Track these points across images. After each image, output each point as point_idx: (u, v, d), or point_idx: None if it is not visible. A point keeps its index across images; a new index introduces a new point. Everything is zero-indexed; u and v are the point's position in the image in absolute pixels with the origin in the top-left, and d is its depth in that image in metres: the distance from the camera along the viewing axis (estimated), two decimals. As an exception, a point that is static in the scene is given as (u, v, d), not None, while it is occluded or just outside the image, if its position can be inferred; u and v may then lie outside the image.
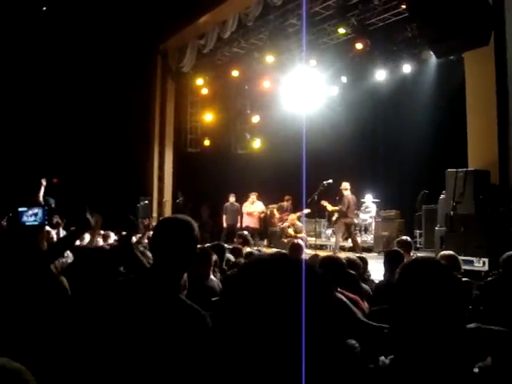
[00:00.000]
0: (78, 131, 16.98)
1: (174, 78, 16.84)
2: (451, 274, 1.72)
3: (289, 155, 15.76)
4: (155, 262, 2.28)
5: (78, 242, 8.42)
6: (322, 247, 14.25)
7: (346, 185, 12.76)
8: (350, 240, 13.22)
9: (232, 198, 15.51)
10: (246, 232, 10.90)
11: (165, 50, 16.62)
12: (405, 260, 5.38)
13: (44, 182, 12.51)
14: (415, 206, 14.19)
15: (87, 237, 8.56)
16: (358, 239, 13.87)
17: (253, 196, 14.88)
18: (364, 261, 5.94)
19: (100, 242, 8.71)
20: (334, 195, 13.01)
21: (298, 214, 14.17)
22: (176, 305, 2.14)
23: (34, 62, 16.18)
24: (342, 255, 11.63)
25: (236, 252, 7.10)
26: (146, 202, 15.61)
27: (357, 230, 14.46)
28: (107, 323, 2.11)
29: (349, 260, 5.03)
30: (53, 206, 12.68)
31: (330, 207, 13.07)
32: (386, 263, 5.58)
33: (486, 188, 8.79)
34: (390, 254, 5.72)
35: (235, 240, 10.54)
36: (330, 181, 12.56)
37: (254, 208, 15.00)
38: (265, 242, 16.12)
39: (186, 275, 3.83)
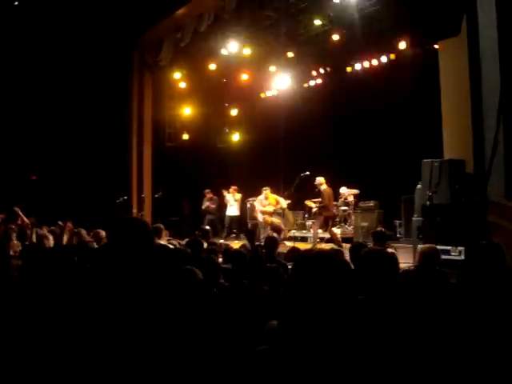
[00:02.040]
0: (55, 127, 16.83)
1: (151, 72, 16.68)
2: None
3: (268, 148, 15.84)
4: (111, 263, 2.27)
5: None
6: (302, 239, 14.29)
7: (320, 179, 12.71)
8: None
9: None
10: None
11: (141, 44, 16.45)
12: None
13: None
14: (394, 195, 14.28)
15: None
16: (338, 230, 13.92)
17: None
18: (339, 253, 5.94)
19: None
20: (312, 187, 13.02)
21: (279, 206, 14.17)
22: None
23: (7, 58, 15.98)
24: (322, 247, 11.74)
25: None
26: (126, 197, 15.49)
27: (336, 221, 14.50)
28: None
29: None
30: None
31: (313, 205, 13.10)
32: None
33: (461, 177, 8.87)
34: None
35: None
36: (307, 173, 12.60)
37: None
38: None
39: None
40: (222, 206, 15.83)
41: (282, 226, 6.87)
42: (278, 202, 13.71)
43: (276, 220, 13.06)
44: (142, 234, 2.29)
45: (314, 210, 13.33)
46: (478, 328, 2.94)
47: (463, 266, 6.41)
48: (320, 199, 12.73)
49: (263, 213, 13.74)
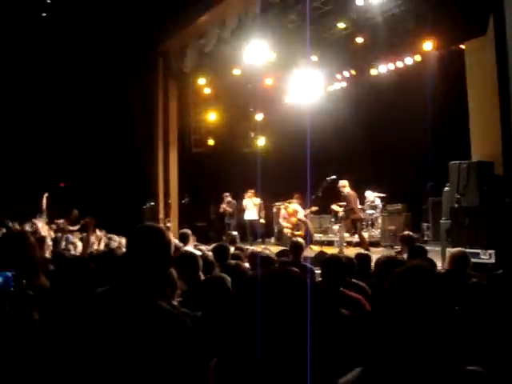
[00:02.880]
0: (83, 135, 17.05)
1: (176, 78, 16.80)
2: (438, 284, 1.71)
3: (293, 152, 15.76)
4: (129, 271, 2.28)
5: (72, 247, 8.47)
6: (328, 244, 14.22)
7: (343, 182, 12.65)
8: (356, 235, 13.16)
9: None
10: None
11: (165, 51, 16.58)
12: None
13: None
14: (422, 198, 14.14)
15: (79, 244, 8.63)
16: (365, 234, 13.83)
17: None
18: (366, 258, 5.89)
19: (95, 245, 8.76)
20: (338, 191, 12.96)
21: (307, 211, 14.16)
22: (154, 313, 2.15)
23: (37, 68, 16.26)
24: (349, 250, 11.68)
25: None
26: (152, 203, 15.61)
27: (363, 225, 14.41)
28: (87, 337, 2.11)
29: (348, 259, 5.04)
30: None
31: (339, 209, 13.04)
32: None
33: (490, 179, 8.73)
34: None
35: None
36: (334, 177, 12.55)
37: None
38: (272, 240, 16.14)
39: (175, 274, 3.83)
40: (241, 210, 15.91)
41: (303, 244, 6.84)
42: (295, 213, 13.78)
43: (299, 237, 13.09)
44: (159, 242, 2.31)
45: (341, 214, 13.26)
46: None
47: (494, 269, 6.29)
48: (345, 203, 12.65)
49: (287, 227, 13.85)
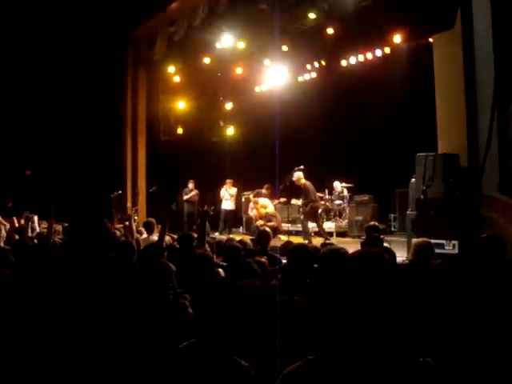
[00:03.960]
0: (49, 123, 16.78)
1: (145, 66, 16.65)
2: (393, 269, 1.71)
3: (262, 141, 15.80)
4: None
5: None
6: (297, 233, 14.28)
7: (298, 175, 12.61)
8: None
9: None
10: None
11: (135, 38, 16.41)
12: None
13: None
14: (389, 189, 14.29)
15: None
16: (333, 224, 13.95)
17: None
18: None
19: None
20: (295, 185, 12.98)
21: (276, 202, 14.20)
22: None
23: (1, 53, 15.90)
24: (317, 241, 11.75)
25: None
26: (120, 192, 15.49)
27: (331, 215, 14.52)
28: None
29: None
30: None
31: (298, 202, 13.06)
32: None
33: (455, 171, 8.88)
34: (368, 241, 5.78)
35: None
36: (302, 167, 12.58)
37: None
38: (240, 229, 16.16)
39: None
40: (218, 200, 15.86)
41: (270, 233, 6.84)
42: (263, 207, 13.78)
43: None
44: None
45: (301, 206, 13.28)
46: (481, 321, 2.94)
47: (458, 259, 6.40)
48: (303, 195, 12.64)
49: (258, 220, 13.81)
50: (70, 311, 2.24)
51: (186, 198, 15.81)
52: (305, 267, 4.18)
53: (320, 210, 13.19)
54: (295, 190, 13.50)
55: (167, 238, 7.80)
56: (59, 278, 3.04)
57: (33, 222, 9.36)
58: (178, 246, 5.28)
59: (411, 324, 3.10)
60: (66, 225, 9.77)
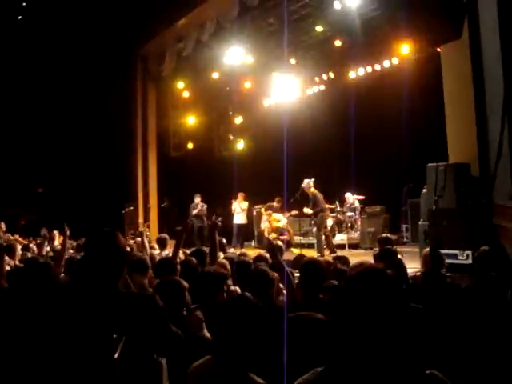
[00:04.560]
0: (61, 140, 16.90)
1: (155, 82, 16.75)
2: (395, 285, 1.74)
3: (272, 155, 15.79)
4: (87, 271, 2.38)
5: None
6: (309, 246, 14.24)
7: (308, 182, 12.58)
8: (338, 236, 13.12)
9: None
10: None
11: (144, 54, 16.52)
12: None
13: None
14: (400, 200, 14.25)
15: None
16: (344, 236, 13.90)
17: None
18: (344, 261, 5.90)
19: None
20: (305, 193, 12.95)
21: (287, 215, 14.16)
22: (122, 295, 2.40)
23: (15, 72, 16.09)
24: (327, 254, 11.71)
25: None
26: (132, 208, 15.52)
27: (342, 227, 14.47)
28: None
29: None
30: None
31: (310, 211, 13.01)
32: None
33: (466, 181, 8.82)
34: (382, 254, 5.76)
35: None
36: (312, 179, 12.55)
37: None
38: (252, 243, 16.13)
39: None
40: (229, 213, 15.83)
41: (283, 247, 6.81)
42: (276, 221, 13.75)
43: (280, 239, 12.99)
44: (112, 245, 2.37)
45: (312, 216, 13.24)
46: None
47: (471, 269, 6.37)
48: (313, 204, 12.57)
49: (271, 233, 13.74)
50: (78, 328, 2.26)
51: (194, 212, 15.78)
52: (317, 283, 4.13)
53: (332, 222, 13.13)
54: (306, 203, 13.50)
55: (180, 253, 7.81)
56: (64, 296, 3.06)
57: (51, 239, 9.42)
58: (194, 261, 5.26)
59: (424, 335, 3.08)
60: (76, 242, 9.83)
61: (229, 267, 4.96)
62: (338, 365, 1.69)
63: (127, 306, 2.29)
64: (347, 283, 1.79)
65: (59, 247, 9.01)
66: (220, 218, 11.39)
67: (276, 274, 4.78)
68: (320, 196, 12.59)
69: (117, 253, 2.42)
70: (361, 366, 1.64)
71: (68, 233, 6.77)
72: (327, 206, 13.30)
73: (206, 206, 15.79)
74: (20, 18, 15.49)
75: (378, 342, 1.64)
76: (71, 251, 8.90)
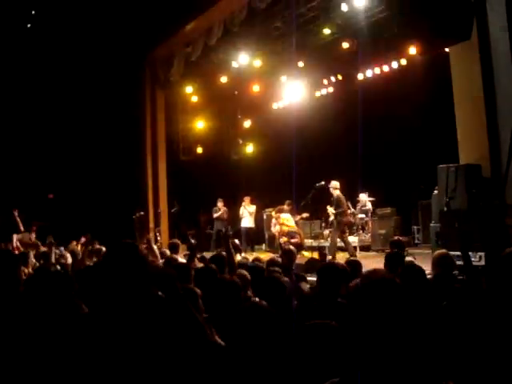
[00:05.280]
0: (70, 145, 16.97)
1: (163, 87, 16.80)
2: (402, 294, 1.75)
3: (282, 158, 15.82)
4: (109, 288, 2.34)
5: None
6: (320, 249, 14.21)
7: (335, 184, 12.48)
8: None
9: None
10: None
11: (152, 59, 16.59)
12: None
13: (16, 213, 12.52)
14: (411, 201, 14.20)
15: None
16: (356, 238, 13.85)
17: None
18: (357, 265, 5.87)
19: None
20: (328, 197, 12.92)
21: (298, 217, 14.11)
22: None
23: (24, 79, 16.19)
24: (340, 256, 11.68)
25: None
26: (142, 213, 15.56)
27: (354, 229, 14.43)
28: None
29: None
30: None
31: (333, 211, 12.94)
32: (385, 266, 5.58)
33: (478, 182, 8.76)
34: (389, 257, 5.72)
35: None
36: (322, 183, 12.50)
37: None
38: (263, 246, 16.13)
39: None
40: (239, 218, 15.83)
41: (295, 251, 6.81)
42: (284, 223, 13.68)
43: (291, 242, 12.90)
44: (133, 258, 2.34)
45: (332, 218, 13.20)
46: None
47: (487, 272, 6.31)
48: (336, 205, 12.49)
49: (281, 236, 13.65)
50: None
51: (215, 216, 15.80)
52: (335, 286, 4.09)
53: (349, 225, 13.08)
54: (317, 206, 13.50)
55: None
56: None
57: (57, 247, 9.46)
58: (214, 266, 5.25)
59: (437, 343, 3.06)
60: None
61: (249, 277, 4.93)
62: (354, 376, 1.68)
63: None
64: (357, 293, 1.80)
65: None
66: (229, 227, 11.41)
67: (287, 279, 4.77)
68: (343, 199, 12.53)
69: (139, 266, 2.38)
70: (377, 376, 1.62)
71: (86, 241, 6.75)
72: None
73: (226, 210, 15.81)
74: (29, 25, 15.60)
75: (390, 352, 1.63)
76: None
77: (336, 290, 4.10)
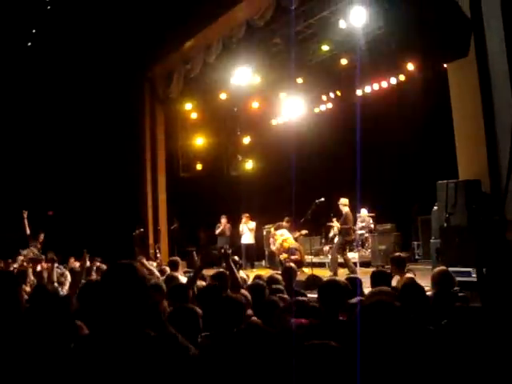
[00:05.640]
0: (70, 162, 16.98)
1: (163, 104, 16.86)
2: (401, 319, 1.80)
3: (281, 174, 15.82)
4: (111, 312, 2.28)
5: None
6: (320, 265, 14.17)
7: (344, 201, 12.50)
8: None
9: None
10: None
11: (152, 76, 16.66)
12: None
13: (25, 215, 12.37)
14: (411, 217, 14.18)
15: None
16: (355, 254, 13.81)
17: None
18: (356, 281, 5.83)
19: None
20: (327, 213, 12.93)
21: (297, 234, 14.06)
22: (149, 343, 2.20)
23: (25, 96, 16.25)
24: (341, 272, 11.65)
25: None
26: (142, 229, 15.55)
27: (353, 245, 14.39)
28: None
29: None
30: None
31: (337, 224, 12.89)
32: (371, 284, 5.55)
33: (477, 197, 8.74)
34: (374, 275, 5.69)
35: None
36: (322, 199, 12.49)
37: None
38: (263, 263, 16.08)
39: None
40: (238, 235, 15.81)
41: (296, 269, 6.79)
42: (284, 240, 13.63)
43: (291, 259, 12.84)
44: (131, 279, 2.31)
45: (335, 232, 13.14)
46: None
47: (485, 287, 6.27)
48: (343, 221, 12.49)
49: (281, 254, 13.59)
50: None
51: (217, 232, 15.80)
52: (337, 303, 4.02)
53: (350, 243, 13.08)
54: (318, 223, 13.47)
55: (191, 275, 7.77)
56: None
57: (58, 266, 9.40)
58: (216, 283, 5.21)
59: (437, 362, 3.03)
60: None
61: (249, 298, 4.90)
62: None
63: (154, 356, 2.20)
64: (359, 313, 1.84)
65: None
66: (227, 246, 11.38)
67: (287, 297, 4.74)
68: (351, 218, 12.55)
69: (139, 287, 2.34)
70: None
71: (87, 259, 6.70)
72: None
73: (229, 226, 15.80)
74: (30, 44, 15.71)
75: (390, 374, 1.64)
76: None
77: (337, 307, 4.03)
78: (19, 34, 15.92)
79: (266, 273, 11.31)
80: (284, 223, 14.43)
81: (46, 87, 16.31)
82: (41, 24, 15.96)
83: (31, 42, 15.94)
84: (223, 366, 2.91)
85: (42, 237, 12.68)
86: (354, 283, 5.74)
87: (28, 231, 12.31)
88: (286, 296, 5.23)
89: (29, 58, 16.08)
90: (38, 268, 9.66)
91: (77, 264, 10.47)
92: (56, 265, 8.90)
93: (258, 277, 6.91)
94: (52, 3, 15.49)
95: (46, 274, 7.77)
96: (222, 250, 6.18)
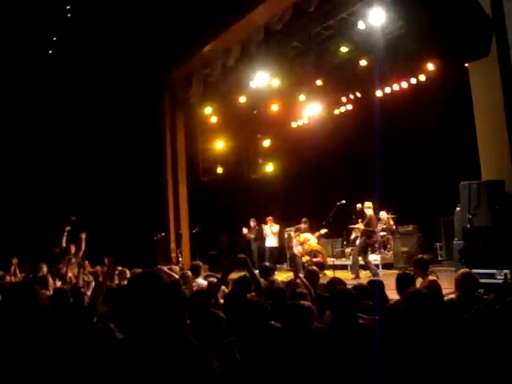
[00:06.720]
0: (92, 167, 17.13)
1: (183, 108, 16.96)
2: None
3: (302, 176, 15.83)
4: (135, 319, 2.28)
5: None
6: (342, 268, 14.09)
7: (369, 204, 12.57)
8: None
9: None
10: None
11: (171, 81, 16.76)
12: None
13: (67, 228, 12.38)
14: (433, 218, 14.05)
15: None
16: (378, 256, 13.75)
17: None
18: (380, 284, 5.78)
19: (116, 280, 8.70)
20: (349, 215, 12.88)
21: (317, 234, 14.01)
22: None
23: (47, 103, 16.44)
24: (364, 274, 11.60)
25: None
26: (163, 234, 15.61)
27: (375, 247, 14.30)
28: None
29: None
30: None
31: (361, 226, 12.85)
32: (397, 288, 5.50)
33: (501, 198, 8.63)
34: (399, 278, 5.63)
35: None
36: (343, 201, 12.44)
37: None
38: (284, 265, 16.05)
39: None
40: (262, 237, 15.79)
41: (318, 272, 6.77)
42: (306, 241, 13.59)
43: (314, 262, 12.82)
44: (156, 287, 2.30)
45: (356, 234, 13.09)
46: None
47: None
48: (366, 224, 12.46)
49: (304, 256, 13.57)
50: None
51: (253, 236, 15.79)
52: (348, 314, 3.97)
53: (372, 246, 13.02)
54: (339, 225, 13.42)
55: (212, 279, 7.78)
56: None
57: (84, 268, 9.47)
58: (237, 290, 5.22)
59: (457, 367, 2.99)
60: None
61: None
62: None
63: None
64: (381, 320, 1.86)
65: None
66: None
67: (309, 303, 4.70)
68: (375, 221, 12.54)
69: (164, 296, 2.33)
70: None
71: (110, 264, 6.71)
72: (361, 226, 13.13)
73: (258, 229, 15.80)
74: (51, 52, 15.90)
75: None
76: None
77: (348, 316, 3.96)
78: (41, 43, 16.12)
79: (287, 275, 11.33)
80: (302, 225, 14.42)
81: (69, 94, 16.49)
82: (61, 32, 16.15)
83: (52, 49, 16.12)
84: (247, 376, 2.92)
85: (73, 249, 12.71)
86: (376, 286, 5.71)
87: (64, 244, 12.32)
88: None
89: (50, 67, 16.27)
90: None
91: (99, 269, 10.54)
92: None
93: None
94: (72, 11, 15.66)
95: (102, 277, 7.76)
96: (239, 256, 6.13)
